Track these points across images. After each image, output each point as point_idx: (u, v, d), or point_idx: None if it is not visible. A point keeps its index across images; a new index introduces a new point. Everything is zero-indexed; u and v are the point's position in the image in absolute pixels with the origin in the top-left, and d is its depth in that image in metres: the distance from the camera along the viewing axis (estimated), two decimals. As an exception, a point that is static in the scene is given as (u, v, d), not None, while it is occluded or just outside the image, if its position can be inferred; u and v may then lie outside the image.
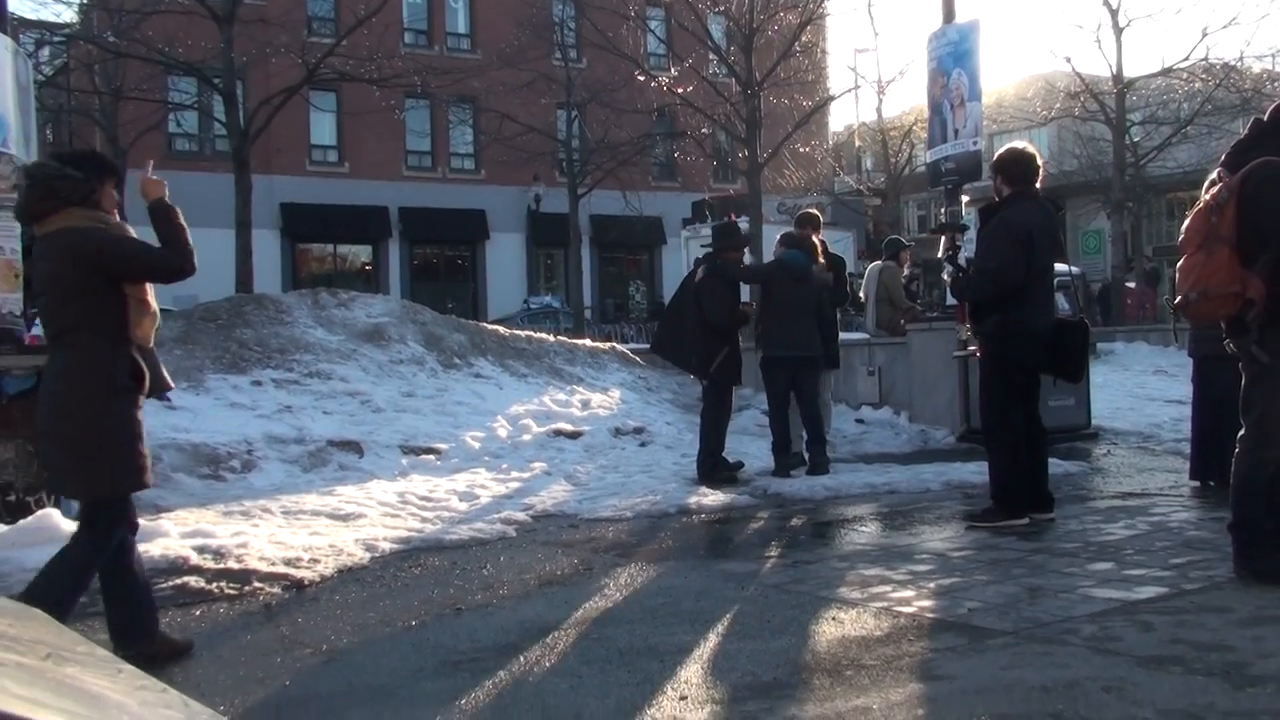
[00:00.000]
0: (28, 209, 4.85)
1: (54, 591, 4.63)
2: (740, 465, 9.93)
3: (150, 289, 4.94)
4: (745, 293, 10.60)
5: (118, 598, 4.92)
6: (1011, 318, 7.19)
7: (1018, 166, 7.33)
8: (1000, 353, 7.27)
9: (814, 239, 10.33)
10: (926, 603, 5.31)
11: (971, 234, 10.25)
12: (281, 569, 6.38)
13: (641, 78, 29.12)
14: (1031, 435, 7.36)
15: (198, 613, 5.68)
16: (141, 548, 6.39)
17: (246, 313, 12.77)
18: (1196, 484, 8.65)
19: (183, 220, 4.97)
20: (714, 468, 9.74)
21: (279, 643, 5.16)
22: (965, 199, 12.76)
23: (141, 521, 7.11)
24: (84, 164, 4.89)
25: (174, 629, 5.38)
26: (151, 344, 5.00)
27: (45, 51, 27.60)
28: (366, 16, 21.01)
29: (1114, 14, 29.44)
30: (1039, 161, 7.43)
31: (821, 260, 10.33)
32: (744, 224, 24.15)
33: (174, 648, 4.94)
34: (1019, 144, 7.59)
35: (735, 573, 6.25)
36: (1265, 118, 5.62)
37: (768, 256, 18.91)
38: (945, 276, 8.30)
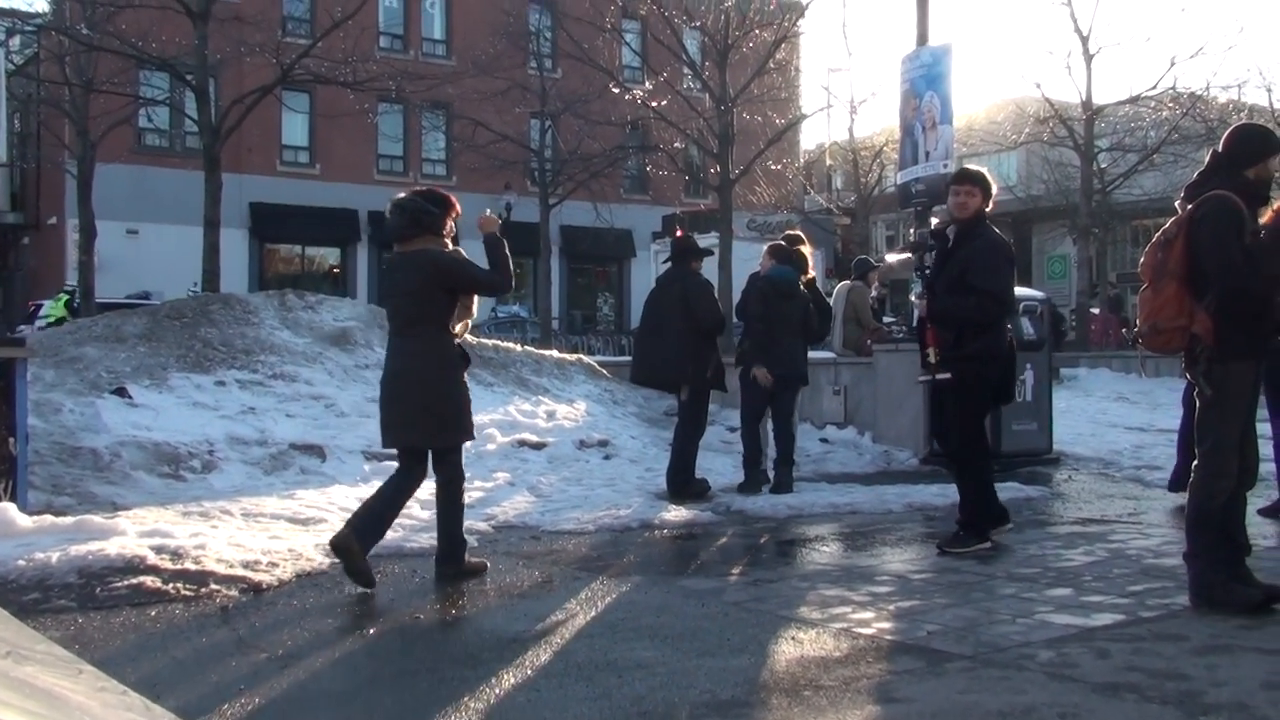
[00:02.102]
0: (399, 233, 6.43)
1: (458, 527, 6.56)
2: (707, 485, 9.95)
3: (474, 297, 6.61)
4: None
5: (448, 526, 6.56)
6: (992, 340, 7.25)
7: (989, 187, 7.40)
8: (979, 375, 7.29)
9: (804, 251, 10.30)
10: (886, 625, 5.33)
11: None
12: (239, 571, 6.33)
13: (616, 90, 29.18)
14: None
15: (153, 613, 5.63)
16: (97, 546, 6.37)
17: (212, 312, 12.69)
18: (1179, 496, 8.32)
19: (508, 250, 6.61)
20: (685, 484, 9.70)
21: (235, 646, 5.12)
22: (935, 220, 12.83)
23: (98, 519, 7.07)
24: (436, 202, 6.43)
25: (128, 629, 5.35)
26: (465, 337, 6.72)
27: (16, 41, 27.32)
28: (343, 19, 20.95)
29: (1084, 41, 29.77)
30: None
31: (811, 273, 10.34)
32: (712, 239, 24.28)
33: (476, 568, 6.57)
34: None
35: (696, 589, 6.25)
36: (1220, 148, 5.70)
37: (738, 273, 18.95)
38: (914, 298, 8.30)
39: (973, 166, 7.76)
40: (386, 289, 6.61)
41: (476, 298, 6.69)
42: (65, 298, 25.63)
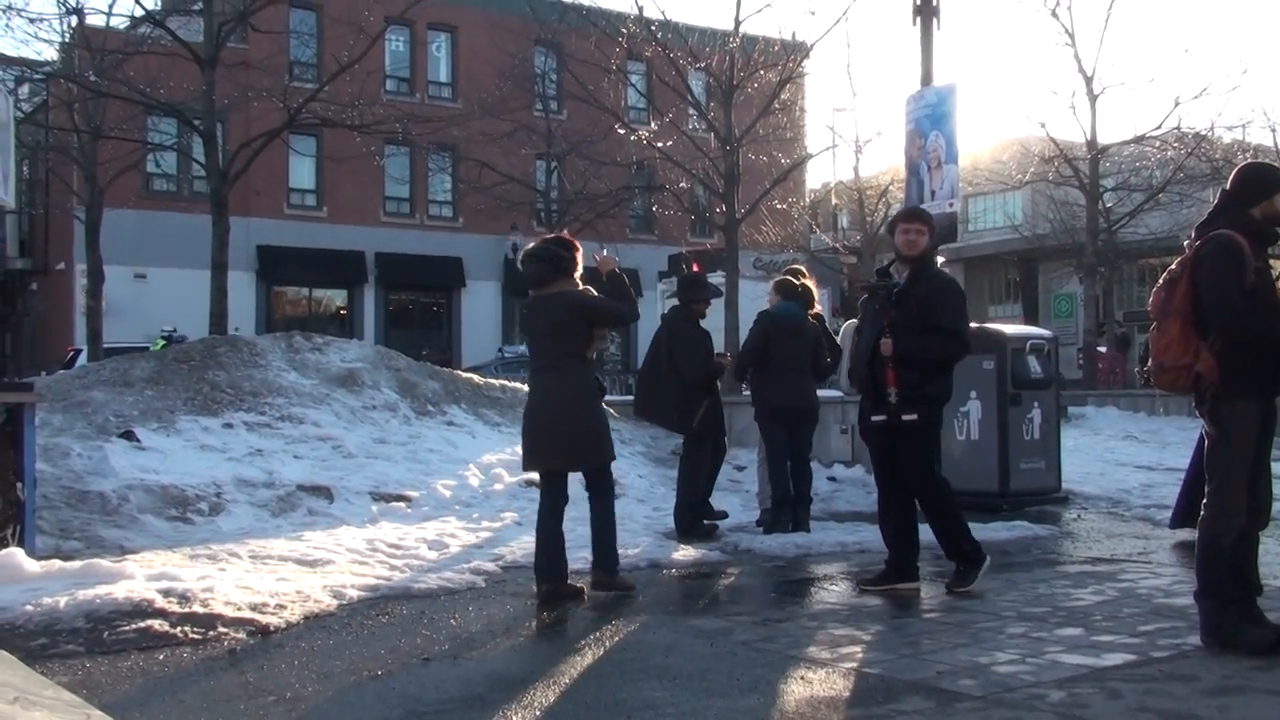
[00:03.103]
0: (539, 278, 7.19)
1: (611, 539, 7.32)
2: (722, 517, 9.94)
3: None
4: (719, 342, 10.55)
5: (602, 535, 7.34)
6: (948, 381, 7.29)
7: (935, 226, 7.54)
8: (938, 416, 7.33)
9: (809, 284, 10.23)
10: (895, 664, 5.30)
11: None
12: (247, 614, 6.32)
13: (621, 131, 29.27)
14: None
15: (161, 657, 5.61)
16: (105, 590, 6.36)
17: (220, 354, 12.71)
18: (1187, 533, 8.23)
19: (628, 281, 7.34)
20: (693, 523, 9.69)
21: (243, 689, 5.10)
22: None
23: (106, 563, 7.07)
24: (566, 246, 7.26)
25: (136, 673, 5.33)
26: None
27: (25, 89, 27.44)
28: (349, 63, 21.06)
29: (1089, 81, 29.82)
30: None
31: (817, 308, 10.31)
32: (719, 278, 24.29)
33: (626, 584, 7.31)
34: None
35: (705, 629, 6.23)
36: (1227, 187, 5.72)
37: (745, 311, 18.96)
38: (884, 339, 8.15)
39: (919, 206, 7.84)
40: (529, 330, 7.40)
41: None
42: (163, 342, 25.48)
